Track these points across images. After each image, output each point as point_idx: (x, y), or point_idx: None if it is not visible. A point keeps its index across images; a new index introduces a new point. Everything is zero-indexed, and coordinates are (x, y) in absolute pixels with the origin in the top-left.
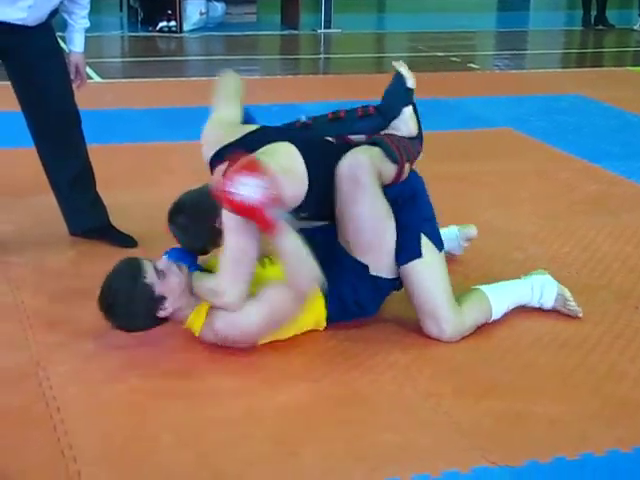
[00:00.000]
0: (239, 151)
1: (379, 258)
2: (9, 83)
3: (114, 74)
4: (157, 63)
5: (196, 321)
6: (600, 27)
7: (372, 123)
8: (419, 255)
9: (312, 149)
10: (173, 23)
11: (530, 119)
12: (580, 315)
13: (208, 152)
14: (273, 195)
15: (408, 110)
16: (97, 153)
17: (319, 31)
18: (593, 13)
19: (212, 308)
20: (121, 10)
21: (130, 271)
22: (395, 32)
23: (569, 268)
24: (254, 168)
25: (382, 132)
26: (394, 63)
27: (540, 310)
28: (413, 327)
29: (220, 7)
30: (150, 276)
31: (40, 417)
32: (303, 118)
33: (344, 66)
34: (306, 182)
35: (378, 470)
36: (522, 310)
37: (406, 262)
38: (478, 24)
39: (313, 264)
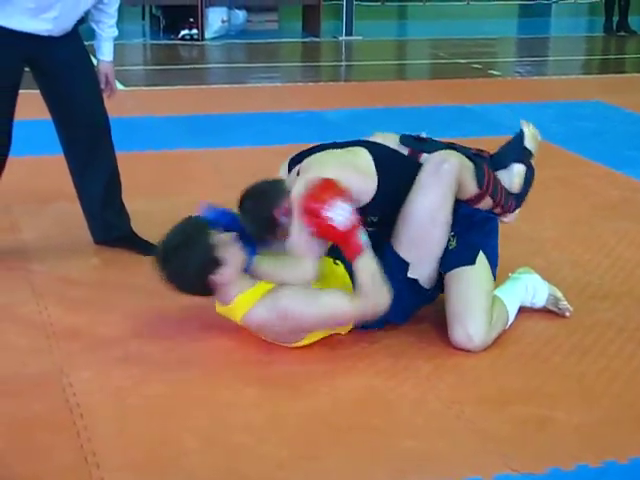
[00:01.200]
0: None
1: (422, 259)
2: (33, 91)
3: (137, 82)
4: (179, 71)
5: (244, 302)
6: (622, 33)
7: (479, 161)
8: (472, 262)
9: (386, 156)
10: (195, 31)
11: (551, 125)
12: (568, 314)
13: (284, 167)
14: (358, 219)
15: (517, 167)
16: (120, 161)
17: (340, 38)
18: (615, 19)
19: (275, 289)
20: (143, 18)
21: (198, 225)
22: (416, 39)
23: (591, 274)
24: (340, 192)
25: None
26: (522, 121)
27: (561, 317)
28: (437, 336)
29: (242, 15)
30: (216, 237)
31: (64, 423)
32: (423, 135)
33: (365, 73)
34: (375, 182)
35: (400, 476)
36: (544, 317)
37: (456, 266)
38: (499, 31)
39: (385, 290)
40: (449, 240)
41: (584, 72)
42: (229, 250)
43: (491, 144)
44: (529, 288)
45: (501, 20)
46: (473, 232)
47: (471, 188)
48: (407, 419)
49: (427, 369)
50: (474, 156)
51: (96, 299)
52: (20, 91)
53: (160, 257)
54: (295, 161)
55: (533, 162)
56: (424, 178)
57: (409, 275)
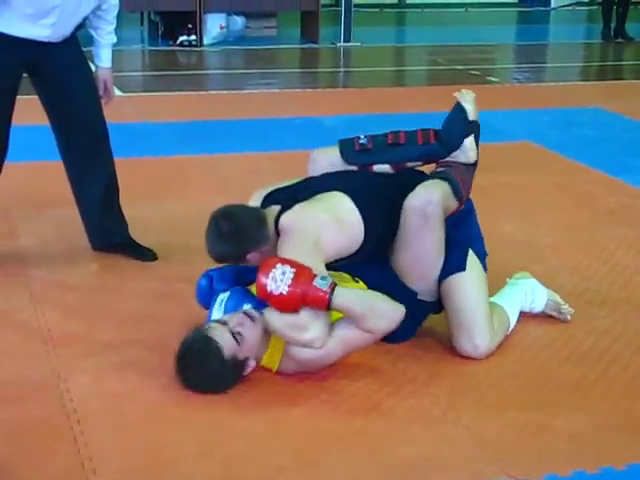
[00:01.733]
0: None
1: (428, 286)
2: (31, 97)
3: (135, 88)
4: (177, 77)
5: (272, 361)
6: (619, 40)
7: (431, 151)
8: (462, 268)
9: (367, 195)
10: (193, 37)
11: (549, 132)
12: (569, 317)
13: (258, 199)
14: (303, 275)
15: (469, 141)
16: (117, 166)
17: (339, 44)
18: (613, 25)
19: (288, 345)
20: (142, 24)
21: (208, 352)
22: (415, 45)
23: (589, 281)
24: (270, 263)
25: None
26: (455, 94)
27: (559, 323)
28: (434, 342)
29: (240, 21)
30: (229, 348)
31: (60, 429)
32: (362, 139)
33: (364, 79)
34: (362, 231)
35: None
36: (542, 323)
37: (449, 275)
38: (497, 37)
39: (384, 302)
40: None
41: (582, 79)
42: (245, 341)
43: (489, 151)
44: (528, 293)
45: (499, 27)
46: (456, 233)
47: (454, 204)
48: (405, 425)
49: (425, 375)
50: (425, 155)
51: (94, 305)
52: (18, 97)
53: (196, 390)
54: (272, 199)
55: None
56: (415, 226)
57: (420, 298)
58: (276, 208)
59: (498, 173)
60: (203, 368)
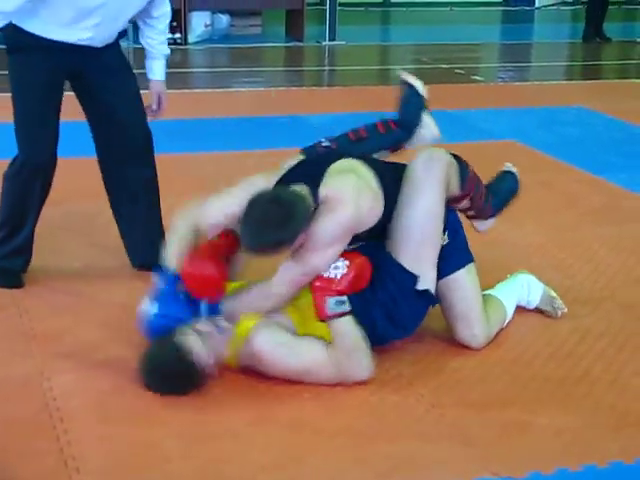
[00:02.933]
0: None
1: (427, 268)
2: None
3: None
4: None
5: (232, 356)
6: (597, 40)
7: (396, 137)
8: (472, 259)
9: (378, 168)
10: (178, 35)
11: (534, 131)
12: (560, 314)
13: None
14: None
15: (427, 116)
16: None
17: (324, 43)
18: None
19: (248, 336)
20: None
21: (182, 361)
22: (399, 44)
23: (573, 279)
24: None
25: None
26: (399, 73)
27: (543, 321)
28: (418, 340)
29: (225, 19)
30: (199, 356)
31: (43, 427)
32: (324, 142)
33: (348, 78)
34: (382, 199)
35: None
36: (525, 322)
37: (454, 270)
38: (482, 36)
39: (366, 352)
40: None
41: (566, 78)
42: (212, 344)
43: (473, 149)
44: (525, 287)
45: (484, 26)
46: (450, 214)
47: (455, 185)
48: (389, 423)
49: (409, 373)
50: (390, 142)
51: (77, 303)
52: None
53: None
54: (296, 176)
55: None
56: (416, 177)
57: (419, 288)
58: (302, 186)
59: (483, 172)
60: (171, 372)
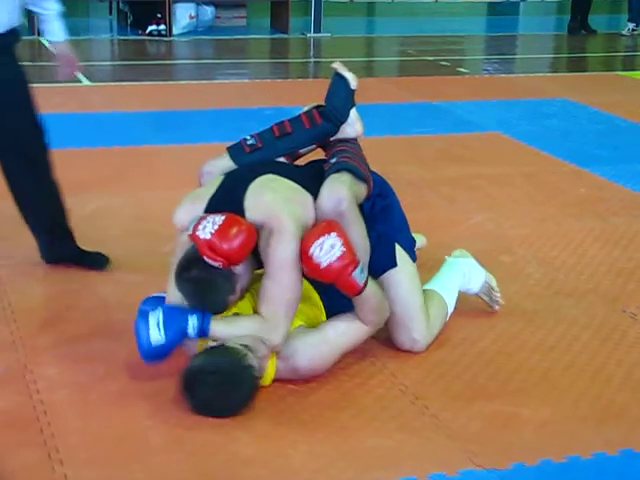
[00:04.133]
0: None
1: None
2: None
3: (103, 78)
4: (146, 67)
5: (269, 375)
6: (582, 32)
7: (321, 131)
8: (394, 265)
9: (295, 175)
10: (163, 27)
11: (519, 123)
12: (497, 308)
13: (192, 215)
14: (348, 259)
15: (354, 112)
16: (86, 156)
17: (309, 35)
18: (579, 18)
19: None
20: (110, 13)
21: (245, 378)
22: (385, 36)
23: (557, 271)
24: (326, 229)
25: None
26: (333, 65)
27: (527, 313)
28: None
29: (210, 11)
30: (258, 377)
31: (26, 420)
32: (249, 139)
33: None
34: (312, 202)
35: (366, 473)
36: (510, 314)
37: (382, 273)
38: (467, 29)
39: (386, 303)
40: None
41: (551, 70)
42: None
43: (459, 141)
44: (466, 274)
45: (469, 18)
46: (380, 227)
47: (362, 189)
48: (373, 415)
49: (392, 366)
50: (316, 136)
51: (61, 296)
52: None
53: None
54: (219, 203)
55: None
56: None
57: None
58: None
59: (468, 164)
60: (231, 394)
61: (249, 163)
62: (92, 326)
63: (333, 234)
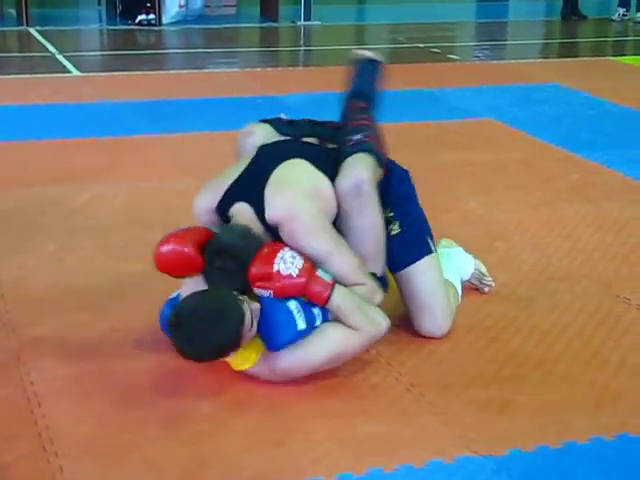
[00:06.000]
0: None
1: (377, 262)
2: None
3: (93, 68)
4: (136, 56)
5: (242, 359)
6: (573, 18)
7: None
8: (430, 251)
9: (318, 160)
10: (152, 16)
11: (510, 109)
12: (487, 290)
13: (212, 203)
14: (309, 264)
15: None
16: (76, 147)
17: (299, 23)
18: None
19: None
20: (99, 4)
21: (235, 307)
22: (375, 24)
23: (551, 257)
24: (278, 245)
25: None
26: (361, 52)
27: (521, 300)
28: (396, 320)
29: (199, 0)
30: (247, 322)
31: (21, 412)
32: (283, 116)
33: (324, 58)
34: (332, 189)
35: (362, 460)
36: (504, 301)
37: (417, 259)
38: (458, 15)
39: (377, 312)
40: (390, 224)
41: (543, 56)
42: (252, 330)
43: (451, 128)
44: (458, 265)
45: (460, 4)
46: (407, 205)
47: (380, 172)
48: (369, 403)
49: (388, 353)
50: (362, 136)
51: (54, 286)
52: None
53: (184, 331)
54: (232, 197)
55: None
56: (353, 206)
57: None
58: (245, 207)
59: (460, 150)
60: (215, 329)
61: (270, 145)
62: (87, 316)
63: (285, 248)
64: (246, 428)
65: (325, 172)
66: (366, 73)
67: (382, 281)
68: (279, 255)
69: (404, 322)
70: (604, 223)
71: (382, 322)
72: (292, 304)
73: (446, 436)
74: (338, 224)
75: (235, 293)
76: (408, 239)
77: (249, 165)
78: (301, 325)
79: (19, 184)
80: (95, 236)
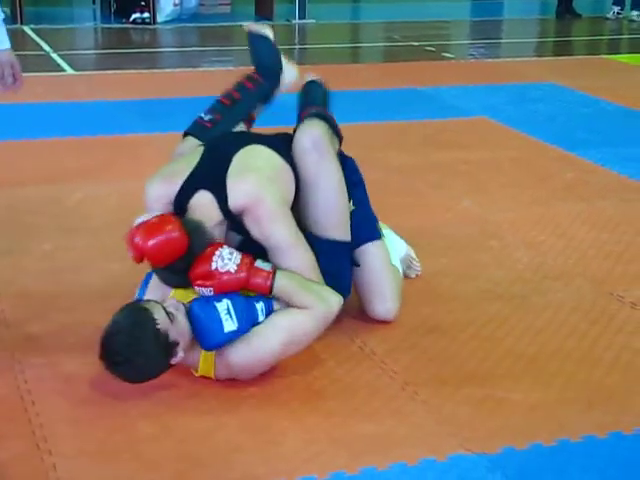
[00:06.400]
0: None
1: (342, 225)
2: None
3: (87, 66)
4: (131, 55)
5: (208, 365)
6: (567, 16)
7: (266, 88)
8: (380, 235)
9: (276, 145)
10: (147, 14)
11: (505, 108)
12: (414, 275)
13: (168, 191)
14: (247, 257)
15: (283, 60)
16: (71, 145)
17: (293, 21)
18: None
19: (220, 353)
20: (94, 2)
21: (140, 319)
22: (370, 22)
23: (545, 255)
24: (215, 244)
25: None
26: (244, 27)
27: (515, 298)
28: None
29: None
30: (162, 322)
31: (15, 410)
32: (205, 116)
33: (319, 56)
34: (292, 173)
35: (356, 459)
36: (498, 298)
37: (365, 242)
38: (453, 13)
39: (325, 290)
40: None
41: (537, 54)
42: (177, 323)
43: (445, 126)
44: (393, 246)
45: (454, 3)
46: (358, 192)
47: (335, 142)
48: (363, 401)
49: (381, 351)
50: (263, 94)
51: (48, 285)
52: None
53: (112, 366)
54: (192, 185)
55: None
56: (315, 164)
57: (341, 239)
58: (207, 196)
59: (454, 149)
60: (131, 333)
61: (222, 135)
62: (80, 315)
63: (223, 246)
64: (239, 426)
65: (282, 156)
66: (261, 47)
67: (346, 283)
68: (217, 253)
69: (398, 320)
70: (598, 221)
71: (331, 297)
72: (222, 305)
73: (440, 434)
74: (303, 189)
75: (156, 300)
76: (362, 218)
77: (205, 153)
78: (229, 327)
79: (12, 183)
80: (89, 235)
